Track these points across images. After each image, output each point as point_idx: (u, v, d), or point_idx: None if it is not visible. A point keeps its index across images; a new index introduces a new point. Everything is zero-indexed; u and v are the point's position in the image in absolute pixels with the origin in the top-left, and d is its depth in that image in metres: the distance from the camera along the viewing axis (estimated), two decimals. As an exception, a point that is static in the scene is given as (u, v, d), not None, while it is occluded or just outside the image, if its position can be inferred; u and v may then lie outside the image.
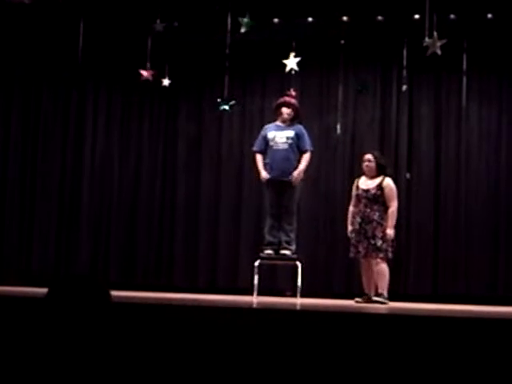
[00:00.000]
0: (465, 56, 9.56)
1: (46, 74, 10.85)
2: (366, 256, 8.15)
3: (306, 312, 5.61)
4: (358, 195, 8.24)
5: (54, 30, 10.37)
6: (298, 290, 8.24)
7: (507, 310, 7.17)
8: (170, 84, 9.71)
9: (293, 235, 8.47)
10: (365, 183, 8.24)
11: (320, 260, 10.25)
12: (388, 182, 8.19)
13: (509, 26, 9.56)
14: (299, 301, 7.95)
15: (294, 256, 8.44)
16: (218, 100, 9.28)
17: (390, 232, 8.04)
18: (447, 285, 10.01)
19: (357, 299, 8.11)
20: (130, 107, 10.98)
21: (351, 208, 8.31)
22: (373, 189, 8.14)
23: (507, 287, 9.81)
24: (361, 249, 8.14)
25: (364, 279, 8.25)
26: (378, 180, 8.18)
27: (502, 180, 10.05)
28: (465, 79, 9.58)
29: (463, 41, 9.61)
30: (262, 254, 8.45)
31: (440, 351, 3.95)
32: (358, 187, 8.27)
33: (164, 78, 9.67)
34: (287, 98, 8.66)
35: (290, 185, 8.37)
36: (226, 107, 9.26)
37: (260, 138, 8.63)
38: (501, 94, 10.18)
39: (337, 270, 10.23)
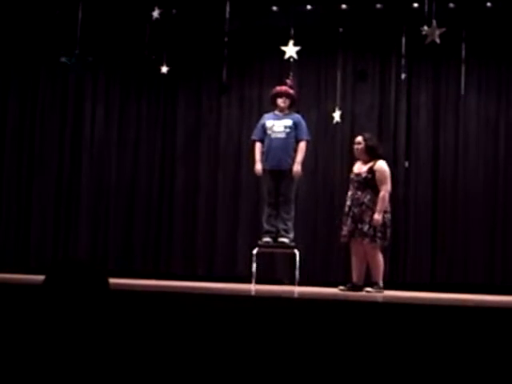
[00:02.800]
0: (464, 45, 9.54)
1: (43, 61, 10.82)
2: (350, 240, 7.98)
3: (304, 300, 5.62)
4: (351, 179, 8.10)
5: (52, 16, 10.35)
6: (296, 278, 8.26)
7: (504, 299, 7.18)
8: (168, 71, 9.69)
9: (290, 224, 8.48)
10: (358, 167, 8.08)
11: (318, 248, 10.25)
12: (380, 165, 7.97)
13: (508, 14, 9.55)
14: (297, 289, 7.96)
15: (292, 244, 8.45)
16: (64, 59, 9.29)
17: (378, 217, 7.77)
18: (445, 273, 10.02)
19: (341, 287, 7.93)
20: (129, 94, 10.95)
21: (348, 192, 8.16)
22: (364, 172, 7.95)
23: (504, 276, 9.82)
24: (346, 232, 7.97)
25: (353, 266, 8.07)
26: (370, 164, 7.98)
27: (500, 168, 10.05)
28: (463, 68, 9.57)
29: (462, 29, 9.59)
30: (260, 242, 8.47)
31: (436, 340, 3.96)
32: (352, 172, 8.14)
33: (162, 65, 9.65)
34: (284, 88, 8.63)
35: (287, 174, 8.38)
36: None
37: (258, 126, 8.65)
38: (499, 83, 10.17)
39: (334, 259, 10.22)
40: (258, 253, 8.42)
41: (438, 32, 8.30)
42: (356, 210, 7.90)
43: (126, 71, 10.83)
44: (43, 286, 2.90)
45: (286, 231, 8.41)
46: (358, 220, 7.87)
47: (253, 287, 8.01)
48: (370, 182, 7.91)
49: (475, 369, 3.79)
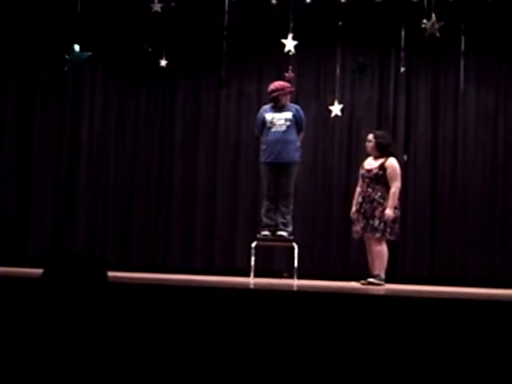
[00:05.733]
0: (463, 38, 9.53)
1: (42, 54, 10.79)
2: (363, 236, 8.09)
3: (303, 293, 5.62)
4: (362, 175, 8.18)
5: (52, 9, 10.33)
6: (295, 271, 8.25)
7: (503, 293, 7.18)
8: (167, 65, 9.68)
9: (289, 217, 8.48)
10: (369, 163, 8.17)
11: (317, 242, 10.25)
12: (391, 161, 8.08)
13: (507, 8, 9.54)
14: (296, 282, 7.96)
15: (291, 237, 8.44)
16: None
17: (389, 212, 7.90)
18: (443, 267, 10.02)
19: (362, 281, 8.00)
20: (127, 88, 10.94)
21: (357, 189, 8.23)
22: (375, 168, 8.04)
23: (503, 270, 9.82)
24: (358, 228, 8.08)
25: (369, 260, 8.17)
26: (381, 160, 8.08)
27: (499, 162, 10.04)
28: (463, 61, 9.55)
29: (461, 23, 9.58)
30: (258, 236, 8.46)
31: (436, 333, 3.96)
32: (363, 167, 8.22)
33: (161, 58, 9.63)
34: (279, 86, 8.57)
35: (286, 167, 8.36)
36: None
37: (258, 121, 8.60)
38: (498, 76, 10.16)
39: (333, 252, 10.24)
40: (256, 246, 8.42)
41: (437, 25, 8.28)
42: (367, 207, 8.03)
43: (125, 64, 10.82)
44: (41, 280, 2.90)
45: (285, 225, 8.41)
46: (369, 216, 7.99)
47: (251, 280, 8.01)
48: (381, 179, 8.02)
49: (474, 362, 3.79)
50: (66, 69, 9.06)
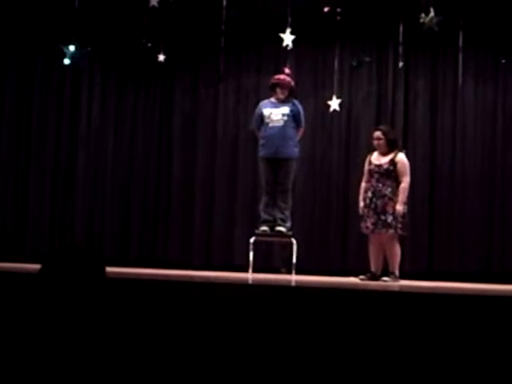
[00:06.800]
0: (461, 32, 9.52)
1: (40, 49, 10.78)
2: (374, 231, 8.08)
3: (301, 288, 5.61)
4: (370, 170, 8.15)
5: (50, 3, 10.32)
6: (293, 266, 8.26)
7: (501, 288, 7.18)
8: (165, 60, 9.67)
9: (288, 213, 8.48)
10: (377, 158, 8.15)
11: (315, 237, 10.25)
12: (401, 157, 8.12)
13: (505, 3, 9.53)
14: (294, 277, 7.97)
15: (289, 233, 8.45)
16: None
17: (400, 208, 7.94)
18: (442, 262, 10.02)
19: (361, 277, 8.04)
20: (126, 83, 10.93)
21: (363, 184, 8.22)
22: (385, 164, 8.05)
23: (502, 265, 9.82)
24: (369, 224, 8.07)
25: (371, 256, 8.18)
26: (390, 155, 8.09)
27: (498, 156, 10.04)
28: (461, 56, 9.55)
29: (460, 17, 9.56)
30: (257, 231, 8.47)
31: (435, 329, 3.96)
32: (370, 162, 8.18)
33: (159, 53, 9.62)
34: (281, 77, 8.59)
35: (285, 162, 8.36)
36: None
37: (256, 116, 8.61)
38: (496, 71, 10.15)
39: (332, 247, 10.23)
40: (255, 241, 8.42)
41: (435, 20, 8.28)
42: (379, 202, 8.02)
43: (123, 59, 10.80)
44: (39, 275, 2.89)
45: (283, 220, 8.41)
46: (380, 212, 8.00)
47: (250, 276, 8.01)
48: (391, 174, 8.04)
49: (474, 358, 3.79)
50: (65, 62, 9.04)
